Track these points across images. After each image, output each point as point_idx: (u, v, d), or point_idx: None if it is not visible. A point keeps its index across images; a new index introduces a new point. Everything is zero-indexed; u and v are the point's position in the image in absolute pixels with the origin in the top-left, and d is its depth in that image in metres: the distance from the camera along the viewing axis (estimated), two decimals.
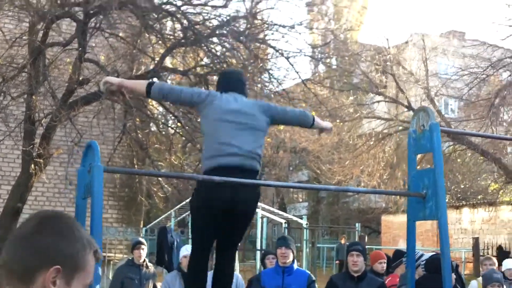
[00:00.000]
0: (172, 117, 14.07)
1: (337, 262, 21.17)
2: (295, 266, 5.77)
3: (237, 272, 6.35)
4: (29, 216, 1.53)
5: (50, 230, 1.43)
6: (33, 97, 10.06)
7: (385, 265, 6.69)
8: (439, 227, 3.78)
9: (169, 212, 22.26)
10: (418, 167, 6.03)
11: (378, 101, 17.61)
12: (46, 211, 1.53)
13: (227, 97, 4.07)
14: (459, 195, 22.68)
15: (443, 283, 3.75)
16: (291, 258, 5.66)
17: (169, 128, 14.87)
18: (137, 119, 11.76)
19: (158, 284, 7.41)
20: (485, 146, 15.53)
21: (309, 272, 6.03)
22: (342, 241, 20.79)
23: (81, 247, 1.44)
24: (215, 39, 11.28)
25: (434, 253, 5.99)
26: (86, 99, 10.70)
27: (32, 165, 10.31)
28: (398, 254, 6.54)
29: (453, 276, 4.86)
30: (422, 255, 5.70)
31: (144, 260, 7.22)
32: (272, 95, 13.06)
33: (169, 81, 13.32)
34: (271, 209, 23.62)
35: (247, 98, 4.23)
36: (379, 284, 5.61)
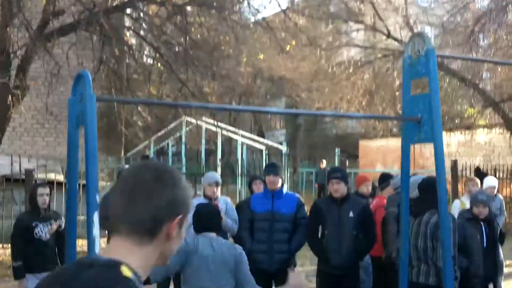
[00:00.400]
0: (149, 47, 13.79)
1: (316, 185, 21.53)
2: (285, 190, 5.88)
3: (225, 197, 6.44)
4: (131, 167, 1.57)
5: (170, 181, 1.49)
6: (7, 29, 9.78)
7: (370, 187, 6.82)
8: (435, 150, 3.85)
9: (147, 140, 22.25)
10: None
11: (357, 30, 17.45)
12: (148, 163, 1.56)
13: (203, 244, 4.10)
14: None
15: (439, 203, 3.85)
16: (279, 185, 5.77)
17: (146, 58, 14.59)
18: (116, 49, 11.53)
19: None
20: (463, 72, 15.64)
21: (298, 195, 6.13)
22: (322, 166, 21.07)
23: (190, 194, 1.54)
24: None
25: (415, 174, 6.06)
26: (62, 30, 10.46)
27: (10, 97, 10.16)
28: (384, 177, 6.65)
29: None
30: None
31: None
32: (251, 25, 12.85)
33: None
34: (252, 136, 23.74)
35: (221, 240, 4.23)
36: (363, 204, 5.70)
